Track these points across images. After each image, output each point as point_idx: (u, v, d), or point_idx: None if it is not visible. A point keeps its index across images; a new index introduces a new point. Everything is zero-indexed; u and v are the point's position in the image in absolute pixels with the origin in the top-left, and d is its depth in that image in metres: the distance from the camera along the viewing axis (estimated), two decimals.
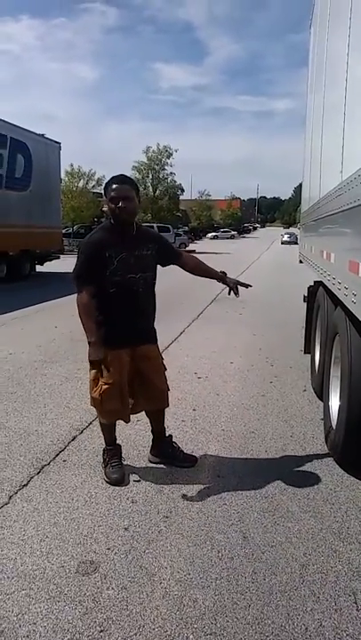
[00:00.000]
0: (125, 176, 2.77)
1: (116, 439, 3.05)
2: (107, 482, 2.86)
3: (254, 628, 1.86)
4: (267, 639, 1.81)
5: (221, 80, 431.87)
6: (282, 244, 43.32)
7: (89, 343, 2.66)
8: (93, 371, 2.75)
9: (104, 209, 41.60)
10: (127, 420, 2.96)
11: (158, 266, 2.92)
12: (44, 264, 15.89)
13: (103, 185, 2.80)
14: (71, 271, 2.72)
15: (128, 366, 2.80)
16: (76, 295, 2.69)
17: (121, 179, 2.71)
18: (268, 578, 2.13)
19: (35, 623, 1.87)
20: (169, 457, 3.09)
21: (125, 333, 2.76)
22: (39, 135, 15.10)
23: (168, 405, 3.07)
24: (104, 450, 3.02)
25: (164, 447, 3.11)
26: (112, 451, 2.98)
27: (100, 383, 2.77)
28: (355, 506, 2.69)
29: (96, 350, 2.64)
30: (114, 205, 2.63)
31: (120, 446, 3.05)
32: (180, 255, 3.06)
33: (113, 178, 2.71)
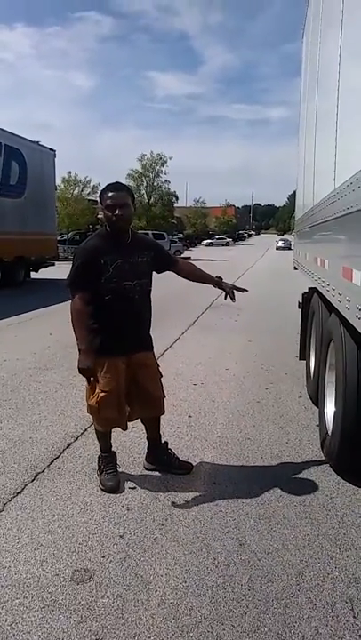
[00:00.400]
0: (121, 183, 2.77)
1: (111, 446, 3.03)
2: (102, 489, 2.85)
3: (251, 635, 1.85)
4: None
5: (216, 89, 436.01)
6: (276, 249, 45.57)
7: (79, 351, 2.67)
8: (91, 378, 2.76)
9: (99, 216, 41.73)
10: (124, 428, 2.94)
11: (154, 272, 2.91)
12: (39, 271, 15.87)
13: (99, 192, 2.80)
14: (65, 278, 2.72)
15: (125, 374, 2.78)
16: (70, 302, 2.70)
17: (117, 186, 2.71)
18: (265, 585, 2.12)
19: (29, 632, 1.85)
20: (164, 464, 3.08)
21: (121, 341, 2.75)
22: (34, 142, 15.13)
23: (164, 412, 3.05)
24: (99, 457, 3.00)
25: (159, 454, 3.10)
26: (107, 458, 2.97)
27: (96, 391, 2.76)
28: (351, 512, 2.69)
29: (85, 358, 2.65)
30: (110, 213, 2.63)
31: (115, 453, 3.03)
32: (175, 262, 3.07)
33: (109, 185, 2.72)
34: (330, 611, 1.98)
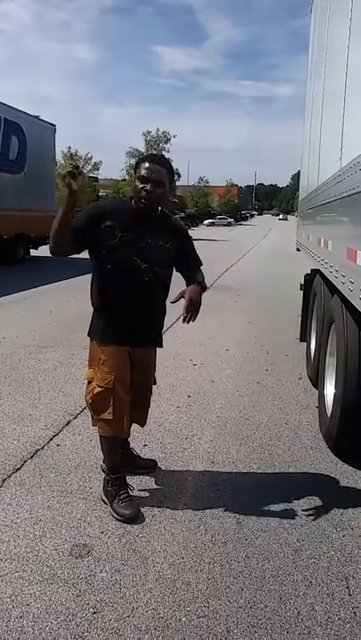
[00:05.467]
0: (164, 157, 2.46)
1: (120, 464, 2.57)
2: (118, 519, 2.40)
3: (247, 611, 1.88)
4: (259, 623, 1.83)
5: (222, 63, 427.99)
6: (278, 220, 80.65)
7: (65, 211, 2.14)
8: (90, 370, 2.45)
9: (100, 193, 41.35)
10: (124, 436, 2.58)
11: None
12: (39, 248, 15.75)
13: (135, 163, 2.42)
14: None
15: (128, 367, 2.42)
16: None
17: (159, 159, 2.34)
18: (261, 562, 2.14)
19: (28, 604, 1.88)
20: (128, 465, 2.74)
21: (126, 327, 2.38)
22: (34, 117, 14.86)
23: (145, 425, 2.74)
24: (107, 480, 2.53)
25: (123, 454, 2.70)
26: (118, 480, 2.50)
27: (92, 384, 2.41)
28: (348, 493, 2.71)
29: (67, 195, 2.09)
30: (141, 186, 2.26)
31: (124, 475, 2.57)
32: (198, 267, 2.59)
33: (149, 155, 2.46)
34: (325, 588, 2.01)
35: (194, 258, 2.62)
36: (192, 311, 2.39)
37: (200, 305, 2.42)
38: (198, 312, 2.42)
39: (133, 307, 2.38)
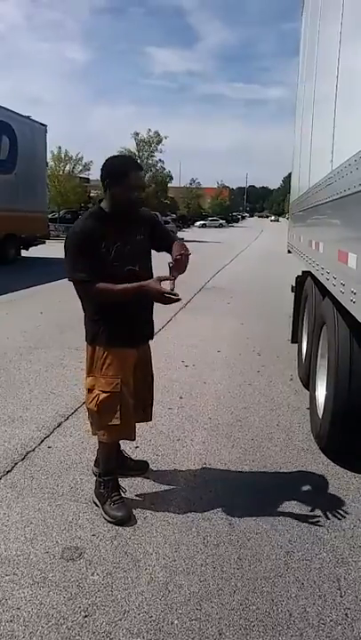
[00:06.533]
0: (138, 162, 2.52)
1: (115, 467, 2.58)
2: (109, 521, 2.40)
3: (239, 613, 1.88)
4: (251, 625, 1.83)
5: (214, 65, 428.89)
6: (270, 221, 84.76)
7: (138, 291, 2.23)
8: (90, 378, 2.42)
9: (91, 194, 41.19)
10: (132, 438, 2.55)
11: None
12: (30, 249, 15.68)
13: (109, 165, 2.36)
14: (66, 272, 2.28)
15: (132, 370, 2.45)
16: (78, 294, 2.36)
17: (139, 165, 2.43)
18: (254, 564, 2.14)
19: (19, 608, 1.86)
20: (119, 466, 2.68)
21: (130, 330, 2.40)
22: (25, 117, 14.78)
23: (151, 419, 2.78)
24: (99, 482, 2.52)
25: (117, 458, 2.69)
26: (111, 482, 2.50)
27: (95, 392, 2.37)
28: (340, 494, 2.72)
29: (148, 285, 2.21)
30: (131, 195, 2.31)
31: (116, 477, 2.56)
32: (173, 241, 2.59)
33: (131, 162, 2.43)
34: (317, 590, 2.01)
35: (167, 232, 2.65)
36: (184, 256, 2.34)
37: (189, 253, 2.41)
38: (188, 261, 2.36)
39: (135, 308, 2.38)
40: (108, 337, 2.37)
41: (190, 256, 2.44)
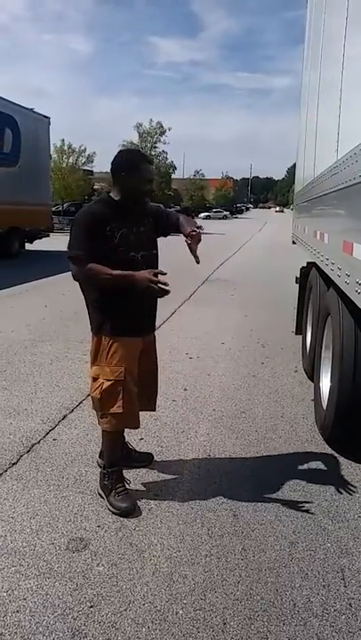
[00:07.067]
0: (148, 156, 2.61)
1: (119, 458, 2.60)
2: (115, 513, 2.42)
3: (243, 603, 1.89)
4: (256, 615, 1.83)
5: (218, 55, 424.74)
6: (275, 212, 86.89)
7: (124, 278, 2.26)
8: (95, 367, 2.42)
9: (95, 187, 41.04)
10: (136, 426, 2.54)
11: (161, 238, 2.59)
12: (34, 242, 15.68)
13: (120, 158, 2.42)
14: (66, 248, 2.33)
15: (137, 359, 2.47)
16: (71, 273, 2.35)
17: (151, 159, 2.55)
18: (258, 555, 2.15)
19: (25, 599, 1.88)
20: (124, 458, 2.71)
21: (135, 319, 2.42)
22: (28, 109, 14.72)
23: (155, 409, 2.79)
24: (104, 473, 2.54)
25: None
26: (115, 474, 2.51)
27: (100, 380, 2.39)
28: (344, 485, 2.72)
29: (135, 276, 2.24)
30: (142, 187, 2.39)
31: (121, 468, 2.58)
32: (177, 219, 2.58)
33: (143, 156, 2.52)
34: (321, 580, 2.02)
35: (169, 213, 2.68)
36: (198, 231, 2.38)
37: (199, 225, 2.48)
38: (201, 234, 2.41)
39: (139, 298, 2.39)
40: (113, 326, 2.38)
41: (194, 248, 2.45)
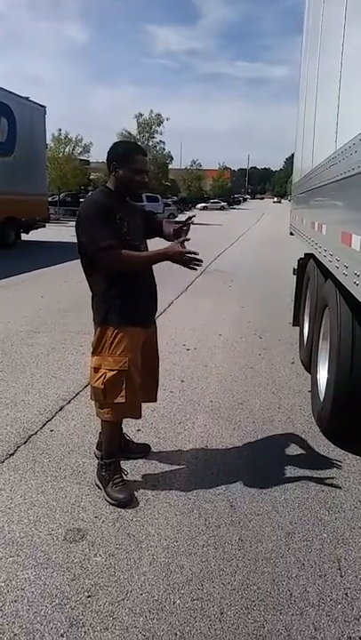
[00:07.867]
0: (143, 147, 2.61)
1: (117, 449, 2.60)
2: (112, 504, 2.42)
3: (240, 593, 1.90)
4: (252, 604, 1.85)
5: (216, 44, 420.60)
6: (273, 203, 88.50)
7: (161, 258, 2.32)
8: (96, 357, 2.40)
9: (92, 177, 40.77)
10: (138, 416, 2.56)
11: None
12: (30, 232, 15.59)
13: (114, 149, 2.44)
14: (87, 242, 2.29)
15: (140, 349, 2.46)
16: (104, 264, 2.32)
17: (144, 150, 2.55)
18: (255, 545, 2.16)
19: (23, 589, 1.88)
20: (122, 450, 2.71)
21: (139, 308, 2.43)
22: (23, 98, 14.55)
23: (156, 400, 2.81)
24: (101, 464, 2.53)
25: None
26: (113, 465, 2.51)
27: (102, 370, 2.36)
28: (340, 476, 2.73)
29: (165, 251, 2.30)
30: (139, 178, 2.40)
31: (118, 459, 2.58)
32: (160, 224, 2.67)
33: (137, 147, 2.55)
34: (317, 570, 2.03)
35: (154, 219, 2.74)
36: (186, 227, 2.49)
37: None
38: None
39: (144, 287, 2.48)
40: (119, 316, 2.37)
41: (190, 240, 2.46)
